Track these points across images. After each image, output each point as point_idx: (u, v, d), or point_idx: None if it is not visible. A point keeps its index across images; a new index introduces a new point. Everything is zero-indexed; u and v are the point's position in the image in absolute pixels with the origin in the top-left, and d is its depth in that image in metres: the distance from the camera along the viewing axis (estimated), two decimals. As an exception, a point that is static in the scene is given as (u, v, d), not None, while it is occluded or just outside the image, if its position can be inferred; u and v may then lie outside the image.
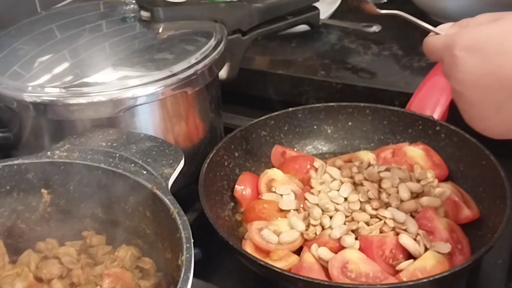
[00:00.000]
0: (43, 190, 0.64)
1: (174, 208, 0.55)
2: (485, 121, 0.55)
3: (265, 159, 0.85)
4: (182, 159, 0.63)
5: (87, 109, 0.69)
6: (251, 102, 1.01)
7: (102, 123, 0.71)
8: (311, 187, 0.74)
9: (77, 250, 0.63)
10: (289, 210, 0.73)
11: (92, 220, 0.64)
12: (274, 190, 0.76)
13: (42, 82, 0.71)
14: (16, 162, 0.62)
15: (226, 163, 0.80)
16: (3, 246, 0.63)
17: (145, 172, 0.60)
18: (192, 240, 0.52)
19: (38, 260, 0.63)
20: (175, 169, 0.61)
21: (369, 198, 0.70)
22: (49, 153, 0.63)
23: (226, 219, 0.75)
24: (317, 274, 0.63)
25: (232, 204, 0.78)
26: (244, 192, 0.78)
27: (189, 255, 0.50)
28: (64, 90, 0.69)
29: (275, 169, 0.80)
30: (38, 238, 0.65)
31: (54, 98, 0.69)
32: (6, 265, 0.63)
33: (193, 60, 0.74)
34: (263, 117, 0.85)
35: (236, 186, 0.78)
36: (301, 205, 0.72)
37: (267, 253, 0.68)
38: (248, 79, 0.99)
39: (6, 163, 0.62)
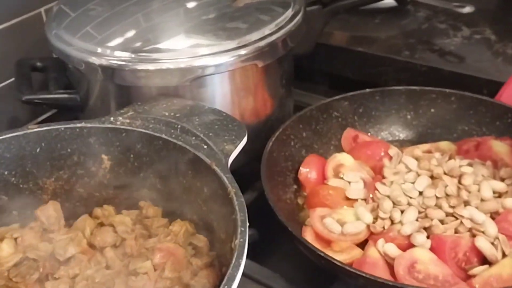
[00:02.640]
0: (103, 156, 0.62)
1: (231, 187, 0.52)
2: None
3: (335, 142, 0.80)
4: (245, 136, 0.60)
5: (154, 76, 0.67)
6: (325, 80, 0.96)
7: (168, 92, 0.69)
8: (383, 177, 0.69)
9: (133, 219, 0.62)
10: (356, 200, 0.68)
11: (149, 191, 0.63)
12: (341, 176, 0.71)
13: (112, 45, 0.69)
14: (78, 125, 0.61)
15: (292, 143, 0.76)
16: (60, 209, 0.63)
17: (205, 146, 0.57)
18: (248, 224, 0.48)
19: (93, 226, 0.63)
20: (236, 146, 0.58)
21: (447, 194, 0.64)
22: (112, 118, 0.61)
23: (287, 202, 0.71)
24: (381, 272, 0.59)
25: (295, 186, 0.74)
26: (309, 175, 0.73)
27: (243, 239, 0.47)
28: (133, 55, 0.68)
29: (344, 154, 0.75)
30: (96, 203, 0.65)
31: (122, 63, 0.68)
32: (61, 228, 0.63)
33: (266, 31, 0.70)
34: (337, 97, 0.79)
35: (301, 168, 0.74)
36: (370, 195, 0.67)
37: (328, 242, 0.64)
38: (324, 55, 0.94)
39: (68, 126, 0.61)
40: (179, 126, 0.60)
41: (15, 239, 0.60)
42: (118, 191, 0.64)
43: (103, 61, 0.68)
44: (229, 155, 0.57)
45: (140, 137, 0.60)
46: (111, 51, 0.68)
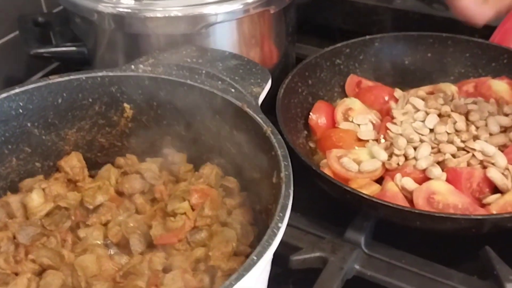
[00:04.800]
0: (125, 105, 0.62)
1: (267, 126, 0.53)
2: None
3: (338, 88, 0.82)
4: (269, 78, 0.61)
5: (163, 24, 0.68)
6: (322, 32, 0.97)
7: (178, 40, 0.69)
8: (392, 117, 0.72)
9: (158, 167, 0.63)
10: (367, 141, 0.71)
11: (173, 138, 0.63)
12: (351, 120, 0.74)
13: (122, -6, 0.68)
14: (100, 74, 0.61)
15: (300, 90, 0.77)
16: (83, 160, 0.63)
17: (233, 90, 0.58)
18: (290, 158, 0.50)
19: (118, 175, 0.63)
20: (263, 88, 0.59)
21: (456, 130, 0.67)
22: (133, 66, 0.61)
23: (301, 146, 0.73)
24: (402, 204, 0.62)
25: (306, 132, 0.76)
26: (319, 121, 0.76)
27: (288, 172, 0.49)
28: (141, 3, 0.67)
29: (353, 99, 0.77)
30: (118, 153, 0.65)
31: (131, 10, 0.67)
32: (86, 178, 0.63)
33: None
34: (339, 44, 0.81)
35: (311, 114, 0.76)
36: (381, 136, 0.70)
37: (345, 181, 0.66)
38: (320, 6, 0.95)
39: (89, 75, 0.61)
40: (204, 72, 0.60)
41: (43, 189, 0.60)
42: (141, 140, 0.64)
43: (111, 9, 0.68)
44: (258, 97, 0.58)
45: (164, 84, 0.60)
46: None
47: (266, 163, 0.53)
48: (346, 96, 0.81)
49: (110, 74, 0.61)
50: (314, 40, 0.94)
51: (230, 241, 0.52)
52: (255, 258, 0.41)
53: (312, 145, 0.75)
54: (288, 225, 0.65)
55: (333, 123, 0.75)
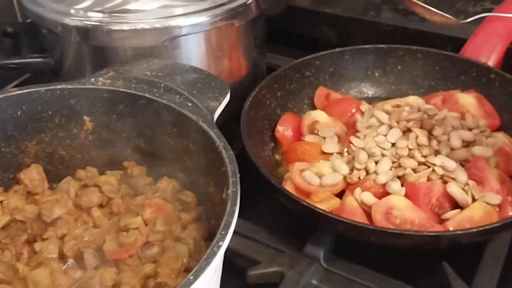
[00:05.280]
0: (85, 117, 0.62)
1: (220, 141, 0.53)
2: None
3: (308, 100, 0.82)
4: (228, 92, 0.61)
5: (129, 36, 0.68)
6: (295, 43, 0.97)
7: (145, 52, 0.69)
8: (357, 131, 0.72)
9: (118, 179, 0.63)
10: (331, 154, 0.71)
11: (133, 151, 0.63)
12: (317, 132, 0.74)
13: (86, 6, 0.69)
14: (59, 86, 0.61)
15: (268, 102, 0.78)
16: (43, 172, 0.63)
17: (190, 104, 0.58)
18: (239, 175, 0.50)
19: (77, 188, 0.63)
20: (221, 103, 0.59)
21: (418, 145, 0.67)
22: (92, 79, 0.61)
23: (266, 159, 0.73)
24: (359, 219, 0.62)
25: (272, 144, 0.76)
26: (285, 133, 0.76)
27: (235, 189, 0.48)
28: (107, 15, 0.67)
29: (319, 111, 0.77)
30: (78, 166, 0.65)
31: (97, 23, 0.68)
32: (45, 191, 0.63)
33: (240, -10, 0.71)
34: (308, 57, 0.81)
35: (277, 126, 0.76)
36: (345, 149, 0.70)
37: (307, 195, 0.67)
38: (293, 17, 0.96)
39: (49, 87, 0.61)
40: (162, 85, 0.60)
41: (1, 202, 0.60)
42: (101, 152, 0.64)
43: (78, 22, 0.68)
44: (214, 112, 0.58)
45: (123, 97, 0.60)
46: (85, 12, 0.68)
47: (218, 178, 0.53)
48: (315, 108, 0.81)
49: (69, 86, 0.61)
50: (288, 50, 0.94)
51: (181, 257, 0.52)
52: (191, 277, 0.41)
53: (278, 157, 0.75)
54: (248, 238, 0.66)
55: (299, 136, 0.76)
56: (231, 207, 0.47)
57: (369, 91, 0.84)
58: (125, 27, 0.67)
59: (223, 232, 0.44)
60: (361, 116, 0.75)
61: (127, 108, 0.60)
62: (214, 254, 0.43)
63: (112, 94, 0.60)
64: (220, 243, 0.44)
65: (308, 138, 0.73)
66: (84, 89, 0.61)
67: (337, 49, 0.82)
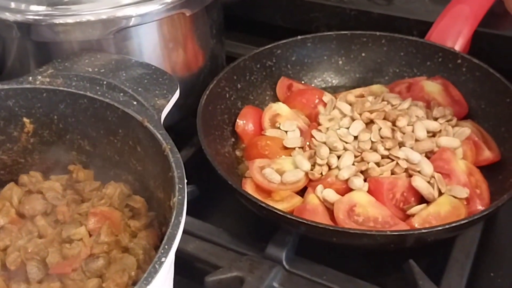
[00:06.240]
0: (25, 119, 0.58)
1: (166, 144, 0.49)
2: None
3: (270, 92, 0.79)
4: (177, 89, 0.57)
5: (74, 30, 0.63)
6: (256, 30, 0.93)
7: (91, 46, 0.64)
8: (319, 124, 0.69)
9: (63, 185, 0.59)
10: (294, 148, 0.67)
11: (78, 153, 0.59)
12: (278, 126, 0.70)
13: (26, -1, 0.64)
14: (-6, 87, 0.56)
15: (227, 95, 0.74)
16: (-17, 179, 0.59)
17: (135, 102, 0.54)
18: (186, 180, 0.46)
19: (21, 195, 0.59)
20: (169, 101, 0.55)
21: (381, 137, 0.64)
22: (30, 78, 0.57)
23: (226, 155, 0.70)
24: (321, 217, 0.59)
25: (233, 139, 0.73)
26: (246, 127, 0.72)
27: (181, 197, 0.45)
28: (50, 9, 0.63)
29: (280, 103, 0.73)
30: (21, 170, 0.61)
31: (39, 17, 0.63)
32: (-14, 199, 0.58)
33: (192, -22, 0.66)
34: (269, 46, 0.78)
35: (237, 120, 0.72)
36: (307, 143, 0.67)
37: (268, 193, 0.63)
38: (253, 2, 0.91)
39: (-17, 89, 0.56)
40: (105, 82, 0.56)
41: None
42: (45, 156, 0.60)
43: (18, 17, 0.63)
44: (162, 111, 0.54)
45: (63, 96, 0.56)
46: (26, 6, 0.63)
47: (166, 183, 0.49)
48: (278, 100, 0.77)
49: (6, 87, 0.56)
50: (248, 38, 0.90)
51: (128, 269, 0.49)
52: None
53: (238, 153, 0.71)
54: (208, 241, 0.63)
55: (261, 130, 0.72)
56: (176, 217, 0.43)
57: (333, 80, 0.81)
58: (69, 20, 0.63)
59: (166, 247, 0.41)
60: (323, 108, 0.71)
61: (68, 108, 0.56)
62: (155, 272, 0.39)
63: (51, 93, 0.56)
64: (163, 259, 0.40)
65: (269, 132, 0.70)
66: (21, 89, 0.56)
67: (299, 37, 0.78)
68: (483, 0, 0.78)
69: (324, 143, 0.65)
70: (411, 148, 0.63)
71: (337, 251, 0.61)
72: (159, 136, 0.50)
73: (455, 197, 0.60)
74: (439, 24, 0.78)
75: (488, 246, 0.63)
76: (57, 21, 0.63)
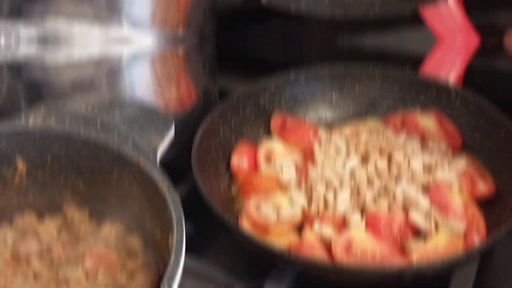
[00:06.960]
0: (18, 160, 0.57)
1: (163, 183, 0.49)
2: None
3: (264, 127, 0.78)
4: (172, 126, 0.57)
5: (65, 69, 0.63)
6: (248, 63, 0.94)
7: (83, 85, 0.64)
8: (314, 160, 0.68)
9: (58, 226, 0.58)
10: (290, 185, 0.67)
11: (73, 193, 0.58)
12: (273, 163, 0.70)
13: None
14: (-16, 129, 0.56)
15: (221, 132, 0.73)
16: (-24, 221, 0.58)
17: (130, 141, 0.54)
18: (184, 220, 0.46)
19: (15, 236, 0.58)
20: (164, 139, 0.55)
21: (378, 172, 0.64)
22: (22, 118, 0.57)
23: (221, 192, 0.69)
24: (319, 254, 0.58)
25: (228, 176, 0.72)
26: (240, 164, 0.71)
27: (179, 236, 0.44)
28: (40, 47, 0.63)
29: (274, 140, 0.73)
30: (15, 211, 0.60)
31: (29, 57, 0.63)
32: (-20, 242, 0.57)
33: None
34: (262, 83, 0.78)
35: (232, 157, 0.72)
36: (303, 179, 0.66)
37: (265, 230, 0.63)
38: (246, 36, 0.92)
39: (-25, 130, 0.56)
40: (99, 122, 0.56)
41: None
42: (39, 196, 0.59)
43: (8, 58, 0.63)
44: (157, 149, 0.54)
45: (56, 137, 0.56)
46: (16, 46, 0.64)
47: (163, 223, 0.49)
48: (272, 134, 0.77)
49: (-2, 128, 0.56)
50: (239, 72, 0.91)
51: (125, 313, 0.48)
52: None
53: (235, 190, 0.71)
54: (204, 279, 0.62)
55: (256, 166, 0.72)
56: (175, 257, 0.43)
57: (327, 114, 0.81)
58: (61, 59, 0.63)
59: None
60: (318, 144, 0.71)
61: (61, 148, 0.56)
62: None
63: (44, 134, 0.56)
64: (161, 302, 0.39)
65: (265, 169, 0.70)
66: (13, 131, 0.56)
67: (292, 74, 0.79)
68: (473, 34, 0.79)
69: (320, 179, 0.64)
70: (407, 182, 0.63)
71: (335, 286, 0.60)
72: (155, 175, 0.50)
73: (453, 231, 0.59)
74: (434, 56, 0.79)
75: (484, 278, 0.62)
76: (48, 61, 0.63)
